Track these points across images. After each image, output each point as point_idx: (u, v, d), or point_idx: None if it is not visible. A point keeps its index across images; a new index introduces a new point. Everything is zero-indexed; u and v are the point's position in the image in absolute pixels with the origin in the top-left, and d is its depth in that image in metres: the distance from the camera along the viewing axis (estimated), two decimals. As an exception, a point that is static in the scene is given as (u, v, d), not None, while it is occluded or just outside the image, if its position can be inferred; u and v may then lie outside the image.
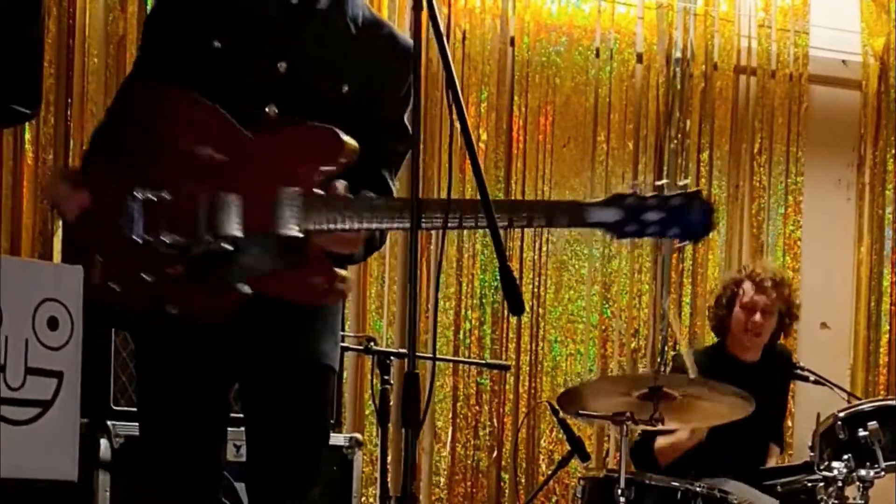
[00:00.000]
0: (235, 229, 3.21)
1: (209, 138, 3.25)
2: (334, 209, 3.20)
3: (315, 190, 3.21)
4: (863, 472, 5.16)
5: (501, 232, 3.19)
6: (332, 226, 3.21)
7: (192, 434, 3.43)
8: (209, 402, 3.45)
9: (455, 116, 3.18)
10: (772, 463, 5.91)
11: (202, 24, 3.31)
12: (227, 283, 3.20)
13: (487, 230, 3.16)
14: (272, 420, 3.46)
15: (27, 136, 5.66)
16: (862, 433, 5.24)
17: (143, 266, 3.25)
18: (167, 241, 3.22)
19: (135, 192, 3.23)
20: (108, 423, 4.76)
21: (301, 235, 3.21)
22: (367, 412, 6.29)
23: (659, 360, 6.34)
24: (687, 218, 3.30)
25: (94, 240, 3.32)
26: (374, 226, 3.25)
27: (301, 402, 3.48)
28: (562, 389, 6.57)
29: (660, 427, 5.04)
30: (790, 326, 5.97)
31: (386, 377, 4.96)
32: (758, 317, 5.78)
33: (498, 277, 6.53)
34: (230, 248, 3.20)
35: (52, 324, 3.71)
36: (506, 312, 6.67)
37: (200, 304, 3.25)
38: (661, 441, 5.67)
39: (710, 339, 6.35)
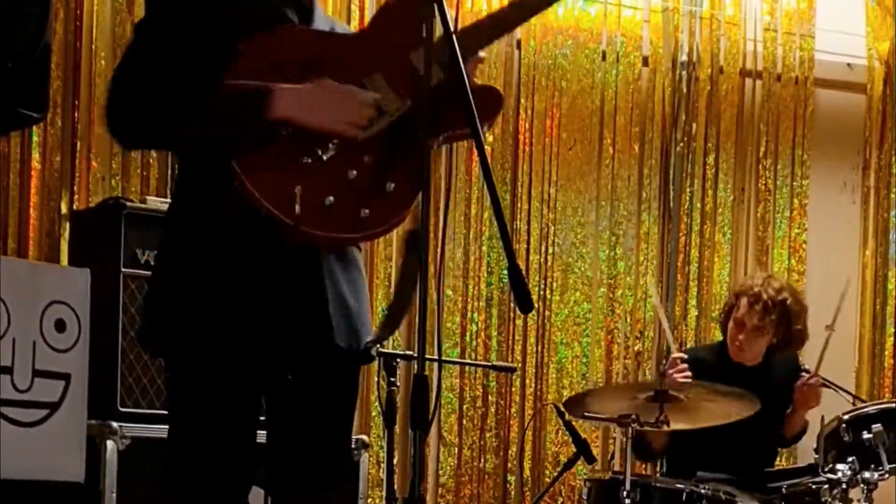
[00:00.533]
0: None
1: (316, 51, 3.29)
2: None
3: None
4: (867, 475, 5.17)
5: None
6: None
7: (238, 439, 3.41)
8: (249, 403, 3.42)
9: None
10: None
11: (230, 29, 3.30)
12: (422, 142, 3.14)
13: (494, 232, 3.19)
14: (316, 408, 3.45)
15: (34, 138, 5.66)
16: (866, 435, 5.25)
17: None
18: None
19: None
20: (115, 424, 4.77)
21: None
22: (373, 414, 6.31)
23: (665, 362, 6.34)
24: None
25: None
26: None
27: (344, 391, 3.51)
28: (567, 391, 6.61)
29: (664, 429, 5.06)
30: (799, 340, 5.95)
31: (392, 379, 4.98)
32: (742, 336, 5.78)
33: (503, 280, 6.57)
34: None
35: (60, 326, 3.74)
36: (512, 314, 6.69)
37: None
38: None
39: (718, 339, 6.37)
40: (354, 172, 3.20)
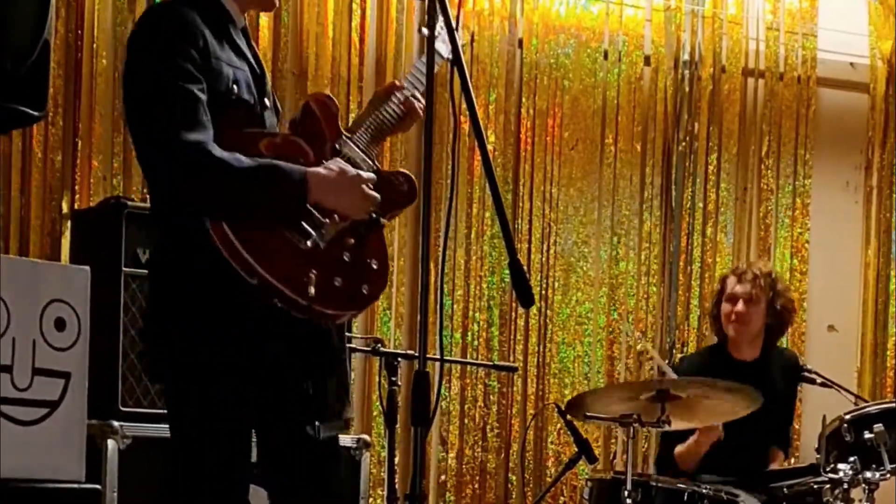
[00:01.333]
0: None
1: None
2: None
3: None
4: (868, 475, 5.16)
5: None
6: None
7: (242, 442, 3.51)
8: (249, 410, 3.53)
9: (462, 117, 3.22)
10: (774, 467, 5.92)
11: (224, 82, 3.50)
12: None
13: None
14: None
15: (35, 136, 5.66)
16: (868, 435, 5.24)
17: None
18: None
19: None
20: (116, 423, 4.77)
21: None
22: (374, 413, 6.30)
23: (666, 361, 6.35)
24: None
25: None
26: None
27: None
28: (569, 391, 6.61)
29: (666, 428, 5.06)
30: (787, 320, 5.99)
31: (394, 379, 4.97)
32: (740, 305, 5.83)
33: (505, 280, 6.56)
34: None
35: (60, 324, 3.73)
36: (513, 314, 6.69)
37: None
38: (679, 447, 5.70)
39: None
40: (348, 255, 3.51)
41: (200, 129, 3.36)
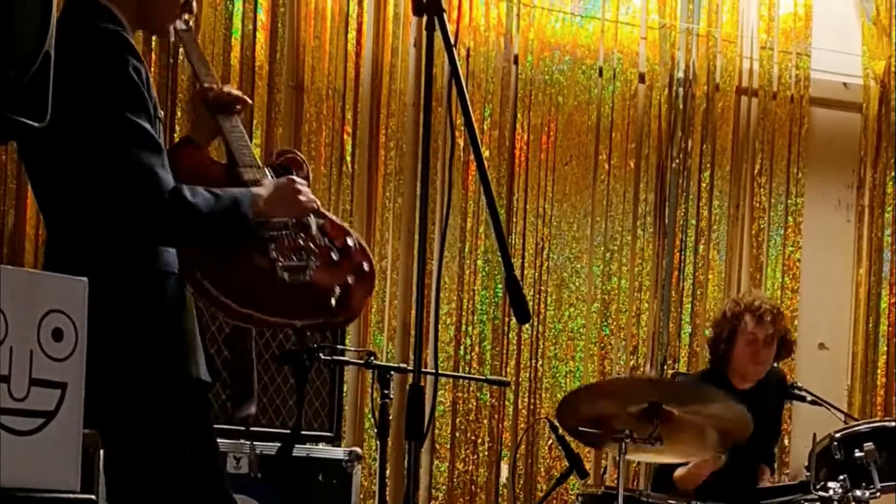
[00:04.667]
0: None
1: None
2: None
3: None
4: (858, 493, 5.17)
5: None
6: None
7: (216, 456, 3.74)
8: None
9: (457, 133, 3.26)
10: (763, 485, 5.92)
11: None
12: None
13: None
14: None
15: (33, 147, 5.66)
16: (858, 454, 5.26)
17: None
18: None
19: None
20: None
21: None
22: (366, 426, 6.31)
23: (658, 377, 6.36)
24: None
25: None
26: None
27: None
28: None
29: (658, 445, 5.04)
30: (788, 353, 5.99)
31: (386, 391, 4.98)
32: (759, 350, 5.78)
33: (498, 294, 6.56)
34: None
35: (57, 335, 3.73)
36: (506, 328, 6.70)
37: None
38: (679, 470, 5.65)
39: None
40: (336, 254, 3.79)
41: (162, 162, 3.54)
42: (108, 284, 3.52)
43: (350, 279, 3.73)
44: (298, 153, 4.07)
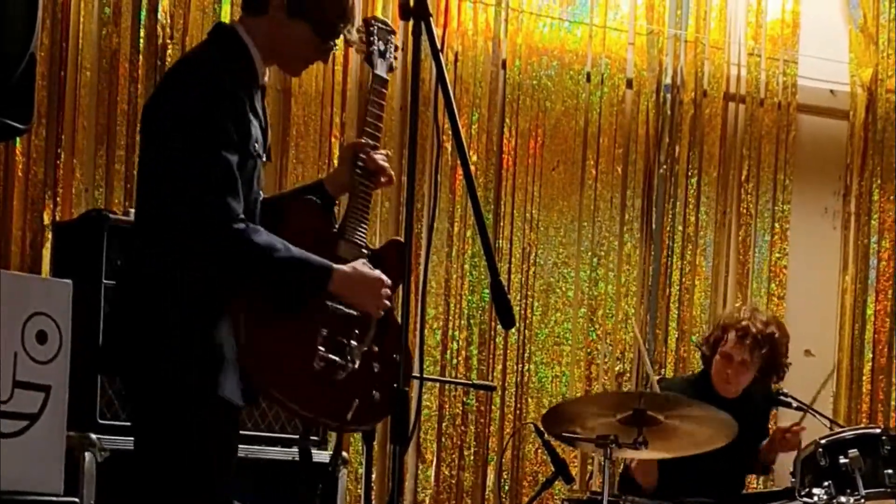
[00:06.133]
0: None
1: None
2: None
3: None
4: (843, 499, 5.18)
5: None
6: None
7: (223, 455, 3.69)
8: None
9: (444, 137, 3.26)
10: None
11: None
12: None
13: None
14: None
15: (18, 148, 5.65)
16: (843, 460, 5.26)
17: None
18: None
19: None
20: (94, 436, 4.76)
21: None
22: (352, 430, 6.30)
23: (645, 383, 6.36)
24: None
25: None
26: None
27: None
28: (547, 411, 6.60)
29: (643, 451, 5.05)
30: (780, 373, 5.94)
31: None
32: (730, 370, 5.76)
33: (485, 298, 6.56)
34: None
35: (41, 337, 3.73)
36: (493, 333, 6.70)
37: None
38: (634, 462, 5.64)
39: (696, 363, 6.38)
40: (377, 365, 3.72)
41: (238, 199, 3.51)
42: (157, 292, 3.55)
43: (377, 395, 3.66)
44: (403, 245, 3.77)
